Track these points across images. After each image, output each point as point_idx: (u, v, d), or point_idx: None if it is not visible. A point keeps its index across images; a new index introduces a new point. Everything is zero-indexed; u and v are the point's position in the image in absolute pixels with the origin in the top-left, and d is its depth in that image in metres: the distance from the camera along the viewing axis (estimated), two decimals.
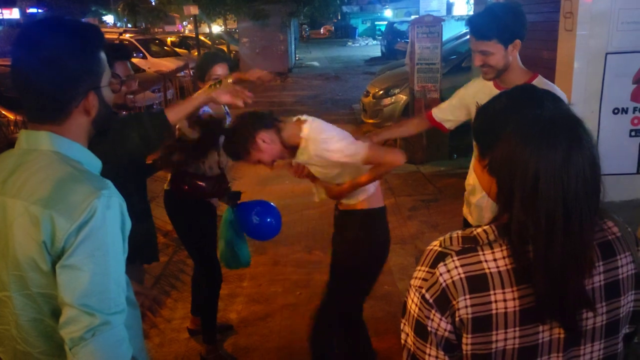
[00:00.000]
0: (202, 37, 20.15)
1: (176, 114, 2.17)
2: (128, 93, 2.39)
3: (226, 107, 3.08)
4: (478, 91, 2.55)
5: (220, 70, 2.87)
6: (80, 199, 1.17)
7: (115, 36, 15.94)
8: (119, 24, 31.24)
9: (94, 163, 1.33)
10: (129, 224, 1.28)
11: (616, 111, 4.46)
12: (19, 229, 1.19)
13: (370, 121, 9.32)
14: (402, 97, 8.98)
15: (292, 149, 2.38)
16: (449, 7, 22.14)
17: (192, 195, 2.94)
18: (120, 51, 2.34)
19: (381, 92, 9.27)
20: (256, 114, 2.42)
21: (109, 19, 37.40)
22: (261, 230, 3.06)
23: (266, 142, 2.34)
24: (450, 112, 2.71)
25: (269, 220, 3.04)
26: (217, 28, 24.50)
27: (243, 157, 2.40)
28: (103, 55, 1.32)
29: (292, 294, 4.02)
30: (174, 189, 2.95)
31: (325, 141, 2.29)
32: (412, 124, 2.94)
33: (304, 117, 2.41)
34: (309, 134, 2.32)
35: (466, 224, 2.72)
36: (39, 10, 39.58)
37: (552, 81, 2.39)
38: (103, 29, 15.50)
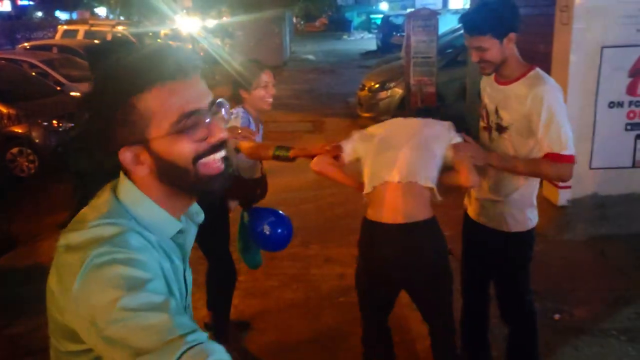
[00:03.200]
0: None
1: None
2: None
3: (260, 119, 3.10)
4: (483, 87, 2.57)
5: (267, 77, 2.89)
6: None
7: (108, 29, 15.82)
8: (111, 17, 30.98)
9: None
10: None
11: (612, 105, 4.47)
12: None
13: (366, 115, 9.31)
14: (398, 91, 8.98)
15: None
16: (445, 0, 22.13)
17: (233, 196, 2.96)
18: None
19: (377, 85, 9.27)
20: None
21: (102, 11, 37.11)
22: (270, 242, 3.03)
23: None
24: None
25: (279, 231, 3.00)
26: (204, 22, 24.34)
27: None
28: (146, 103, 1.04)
29: (288, 288, 4.02)
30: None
31: None
32: None
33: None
34: None
35: (466, 217, 2.73)
36: (31, 3, 39.22)
37: (549, 74, 2.39)
38: (95, 22, 15.10)
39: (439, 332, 2.50)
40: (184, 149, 1.01)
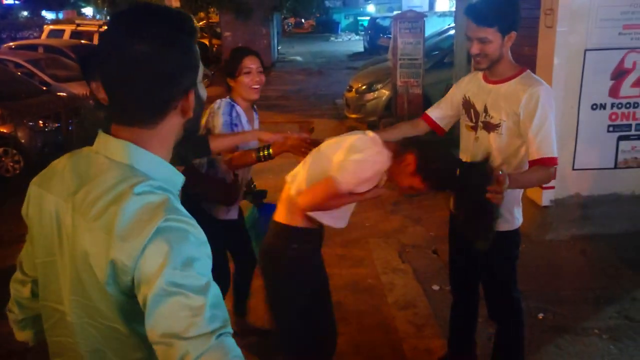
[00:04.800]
0: None
1: (219, 145, 2.29)
2: None
3: (254, 106, 2.99)
4: (468, 84, 2.59)
5: (251, 62, 2.74)
6: None
7: (95, 29, 15.71)
8: (98, 17, 30.73)
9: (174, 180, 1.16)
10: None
11: (595, 107, 4.53)
12: None
13: (354, 116, 9.34)
14: (385, 92, 9.01)
15: None
16: (431, 3, 22.27)
17: (203, 196, 2.82)
18: None
19: (364, 87, 9.30)
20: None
21: (88, 11, 36.83)
22: None
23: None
24: (446, 108, 2.68)
25: None
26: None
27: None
28: (197, 47, 1.17)
29: None
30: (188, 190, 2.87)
31: None
32: (406, 127, 2.75)
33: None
34: None
35: (452, 217, 2.76)
36: (16, 2, 38.80)
37: None
38: (81, 22, 14.95)
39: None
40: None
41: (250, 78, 2.73)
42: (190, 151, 2.25)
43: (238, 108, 2.77)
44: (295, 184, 2.25)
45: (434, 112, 2.72)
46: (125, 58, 1.04)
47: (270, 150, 2.52)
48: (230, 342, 0.98)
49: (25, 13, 37.84)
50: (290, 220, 2.28)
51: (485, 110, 2.44)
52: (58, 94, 8.37)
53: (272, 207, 2.97)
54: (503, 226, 2.50)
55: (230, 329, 1.00)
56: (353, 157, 2.08)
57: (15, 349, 3.21)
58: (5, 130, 6.74)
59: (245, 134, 2.42)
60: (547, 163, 2.29)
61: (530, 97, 2.28)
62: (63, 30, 15.74)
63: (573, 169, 4.62)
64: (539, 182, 2.48)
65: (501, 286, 2.65)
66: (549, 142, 2.29)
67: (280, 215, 2.32)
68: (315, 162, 2.24)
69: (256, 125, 2.97)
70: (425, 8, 20.12)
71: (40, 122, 6.95)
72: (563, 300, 3.74)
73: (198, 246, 1.02)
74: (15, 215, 5.70)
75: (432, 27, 11.32)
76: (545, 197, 4.61)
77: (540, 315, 3.56)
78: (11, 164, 6.93)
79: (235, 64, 2.74)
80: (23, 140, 6.86)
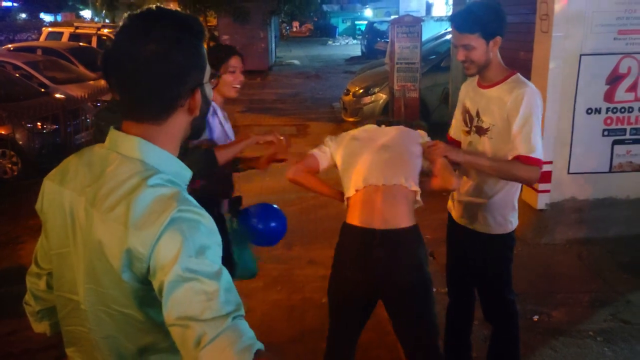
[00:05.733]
0: None
1: (224, 155, 2.35)
2: None
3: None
4: (465, 89, 2.63)
5: (236, 62, 2.78)
6: None
7: (93, 31, 15.72)
8: (96, 19, 30.70)
9: (183, 174, 1.21)
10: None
11: (590, 111, 4.57)
12: None
13: (351, 119, 9.37)
14: (382, 96, 9.06)
15: None
16: (428, 7, 22.30)
17: (203, 190, 2.83)
18: None
19: (361, 90, 9.34)
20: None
21: (86, 13, 36.80)
22: (265, 236, 2.93)
23: None
24: (458, 125, 2.70)
25: (273, 225, 2.93)
26: None
27: None
28: (204, 49, 1.22)
29: (272, 289, 4.04)
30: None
31: None
32: None
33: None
34: None
35: (450, 219, 2.79)
36: (15, 4, 38.79)
37: (529, 81, 2.46)
38: (80, 24, 14.94)
39: (415, 349, 2.34)
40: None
41: (234, 77, 2.77)
42: (198, 168, 2.27)
43: (213, 104, 2.76)
44: (403, 180, 2.25)
45: (451, 131, 2.79)
46: (136, 57, 1.10)
47: (240, 166, 2.69)
48: (244, 324, 1.03)
49: (23, 15, 37.83)
50: (411, 220, 2.26)
51: (478, 115, 2.47)
52: (56, 95, 8.36)
53: (251, 213, 2.95)
54: (496, 229, 2.52)
55: (243, 312, 1.04)
56: (427, 139, 2.46)
57: (13, 351, 3.22)
58: (3, 132, 6.74)
59: (245, 142, 2.48)
60: (525, 162, 2.28)
61: (515, 99, 2.31)
62: (61, 33, 15.72)
63: (568, 173, 4.65)
64: (514, 175, 2.37)
65: (496, 288, 2.67)
66: (529, 142, 2.28)
67: (405, 220, 2.24)
68: (404, 157, 2.36)
69: (228, 123, 2.96)
70: (422, 13, 20.15)
71: (39, 124, 6.95)
72: (558, 302, 3.77)
73: (209, 235, 1.07)
74: (12, 217, 5.73)
75: (429, 31, 11.38)
76: (541, 201, 4.64)
77: (536, 318, 3.58)
78: (9, 165, 6.93)
79: (221, 61, 2.75)
80: (21, 142, 6.86)
